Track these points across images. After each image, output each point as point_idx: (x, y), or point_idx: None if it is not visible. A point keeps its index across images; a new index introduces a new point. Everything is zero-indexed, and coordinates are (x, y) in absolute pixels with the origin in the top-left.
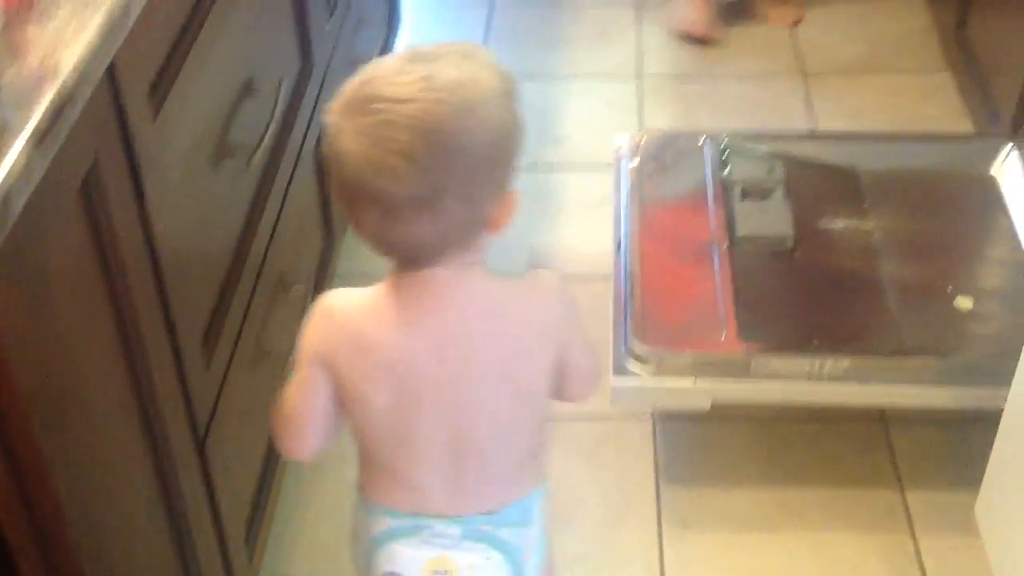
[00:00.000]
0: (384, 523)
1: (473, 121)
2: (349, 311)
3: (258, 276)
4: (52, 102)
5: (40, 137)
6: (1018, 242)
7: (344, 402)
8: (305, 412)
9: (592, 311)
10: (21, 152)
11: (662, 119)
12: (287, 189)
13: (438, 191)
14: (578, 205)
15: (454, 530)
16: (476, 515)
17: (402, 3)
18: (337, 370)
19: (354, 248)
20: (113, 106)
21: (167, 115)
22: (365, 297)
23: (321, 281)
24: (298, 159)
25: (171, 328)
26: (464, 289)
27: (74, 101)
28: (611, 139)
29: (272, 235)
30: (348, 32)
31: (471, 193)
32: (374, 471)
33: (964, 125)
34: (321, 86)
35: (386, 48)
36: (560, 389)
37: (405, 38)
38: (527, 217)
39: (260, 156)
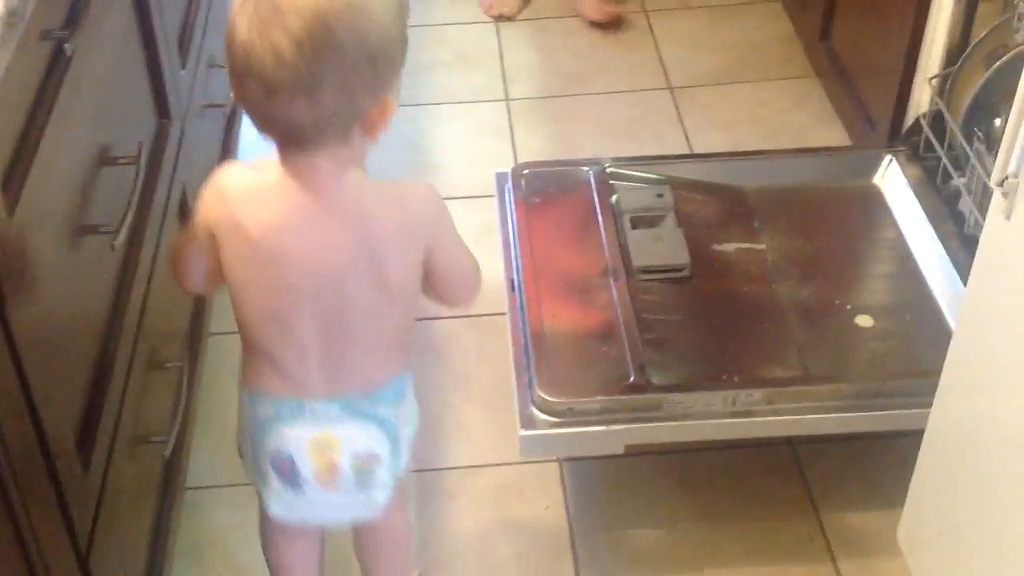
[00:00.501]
0: (268, 408)
1: (362, 19)
2: (237, 193)
3: (131, 357)
4: None
5: None
6: (908, 252)
7: (226, 279)
8: (190, 265)
9: (488, 350)
10: None
11: (534, 142)
12: (155, 255)
13: (317, 79)
14: (464, 236)
15: (334, 409)
16: (354, 394)
17: None
18: (220, 245)
19: (226, 304)
20: None
21: (24, 209)
22: (253, 180)
23: (195, 344)
24: (163, 221)
25: (41, 435)
26: (339, 184)
27: None
28: (486, 166)
29: (143, 308)
30: (201, 80)
31: (349, 88)
32: (256, 359)
33: (836, 131)
34: (180, 141)
35: None
36: (436, 292)
37: None
38: None
39: (126, 226)
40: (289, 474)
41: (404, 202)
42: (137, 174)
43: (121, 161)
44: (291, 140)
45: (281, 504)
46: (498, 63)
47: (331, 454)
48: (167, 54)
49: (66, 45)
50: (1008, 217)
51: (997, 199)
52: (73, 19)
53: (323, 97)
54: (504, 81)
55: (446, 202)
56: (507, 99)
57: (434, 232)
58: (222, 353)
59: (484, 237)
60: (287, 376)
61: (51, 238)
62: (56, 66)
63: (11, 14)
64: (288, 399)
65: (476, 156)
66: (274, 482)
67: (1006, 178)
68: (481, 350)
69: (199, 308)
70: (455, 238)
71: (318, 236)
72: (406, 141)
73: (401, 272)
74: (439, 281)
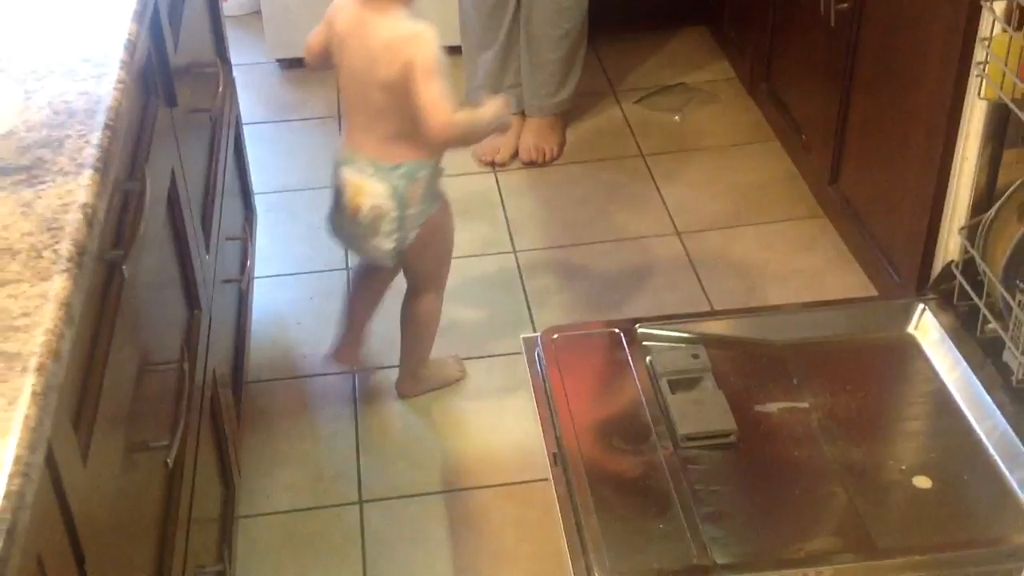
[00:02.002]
0: (342, 153)
1: None
2: (335, 11)
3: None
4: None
5: None
6: (954, 404)
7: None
8: (312, 39)
9: (528, 524)
10: None
11: (547, 297)
12: (196, 451)
13: None
14: (483, 400)
15: (369, 168)
16: (383, 162)
17: (255, 203)
18: (328, 39)
19: (253, 486)
20: (51, 483)
21: (94, 453)
22: (344, 4)
23: (226, 530)
24: (200, 420)
25: None
26: (374, 15)
27: (23, 509)
28: (501, 324)
29: (189, 519)
30: (221, 257)
31: None
32: (343, 118)
33: (853, 272)
34: (209, 328)
35: (245, 261)
36: (417, 114)
37: (259, 238)
38: (434, 417)
39: (177, 438)
40: (338, 202)
41: (401, 31)
42: (182, 377)
43: (163, 367)
44: None
45: (330, 222)
46: (501, 213)
47: (359, 197)
48: (195, 246)
49: (123, 267)
50: None
51: None
52: (123, 238)
53: None
54: (509, 232)
55: (468, 362)
56: (514, 251)
57: (408, 59)
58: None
59: (509, 399)
60: (351, 133)
61: (112, 470)
62: (111, 286)
63: (80, 252)
64: (349, 150)
65: (490, 313)
66: (331, 205)
67: None
68: (520, 524)
69: (229, 494)
70: (428, 72)
71: (355, 44)
72: None
73: (388, 78)
74: (414, 100)
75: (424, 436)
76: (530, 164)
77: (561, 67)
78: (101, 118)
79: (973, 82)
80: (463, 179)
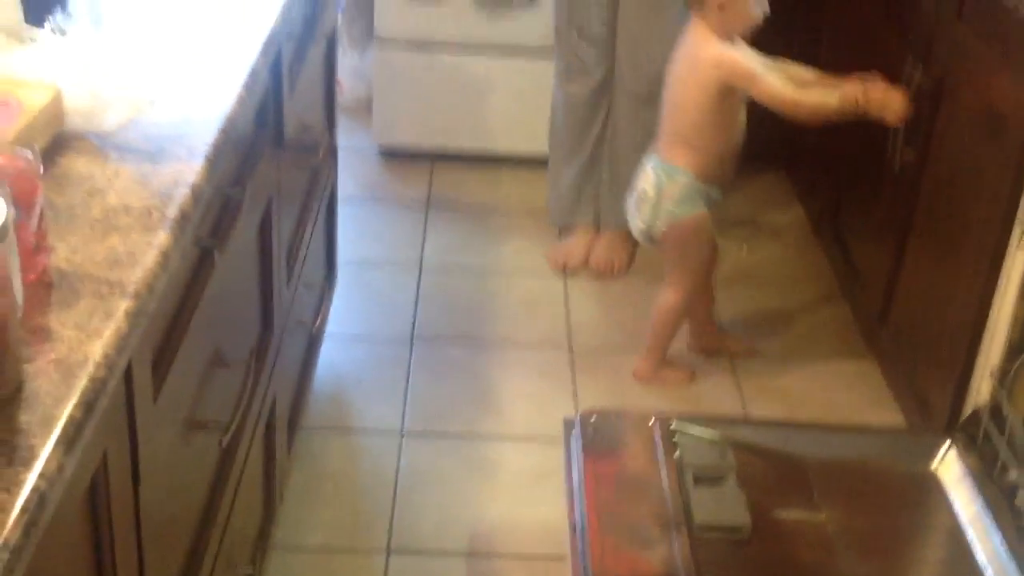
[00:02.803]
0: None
1: None
2: None
3: (217, 555)
4: (83, 397)
5: (70, 439)
6: (966, 541)
7: None
8: None
9: None
10: (52, 454)
11: (594, 393)
12: (246, 458)
13: None
14: (518, 478)
15: (656, 161)
16: (663, 160)
17: (337, 267)
18: None
19: (291, 516)
20: (125, 395)
21: (164, 396)
22: None
23: (261, 553)
24: (255, 428)
25: None
26: (693, 36)
27: (104, 395)
28: (546, 411)
29: (232, 506)
30: (299, 297)
31: None
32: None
33: (890, 410)
34: (277, 353)
35: (319, 312)
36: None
37: (335, 300)
38: (467, 488)
39: (234, 425)
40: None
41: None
42: (247, 377)
43: (232, 364)
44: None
45: (629, 197)
46: (563, 312)
47: (641, 180)
48: (278, 273)
49: (215, 253)
50: None
51: None
52: (219, 231)
53: None
54: (568, 331)
55: (511, 443)
56: (570, 349)
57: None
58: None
59: (543, 481)
60: (659, 138)
61: (174, 429)
62: (202, 269)
63: (183, 218)
64: (654, 150)
65: (537, 400)
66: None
67: None
68: None
69: (268, 516)
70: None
71: (678, 57)
72: (471, 379)
73: (681, 95)
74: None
75: (457, 500)
76: (599, 275)
77: None
78: (218, 124)
79: (1016, 231)
80: (533, 278)
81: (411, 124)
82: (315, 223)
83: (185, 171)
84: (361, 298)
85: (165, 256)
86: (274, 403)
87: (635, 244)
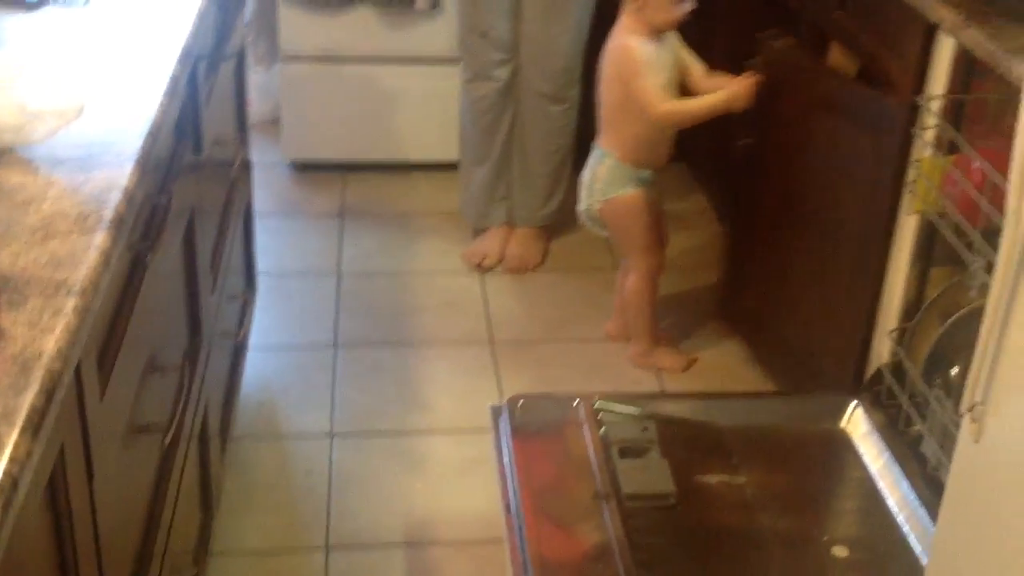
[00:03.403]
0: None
1: None
2: None
3: (162, 564)
4: (43, 387)
5: (35, 427)
6: (876, 490)
7: None
8: None
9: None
10: (20, 439)
11: (518, 383)
12: (183, 467)
13: None
14: (449, 469)
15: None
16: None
17: (257, 278)
18: None
19: (228, 523)
20: (76, 392)
21: (109, 395)
22: None
23: (202, 560)
24: (191, 434)
25: None
26: (616, 31)
27: (61, 387)
28: (473, 403)
29: (172, 519)
30: (223, 308)
31: None
32: None
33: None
34: (207, 361)
35: (242, 322)
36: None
37: (257, 312)
38: (400, 482)
39: (174, 425)
40: None
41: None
42: (182, 381)
43: (167, 369)
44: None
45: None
46: (482, 309)
47: (586, 168)
48: (204, 280)
49: (148, 257)
50: (977, 440)
51: (966, 424)
52: (149, 236)
53: None
54: (489, 326)
55: (441, 436)
56: (492, 342)
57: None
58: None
59: (474, 469)
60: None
61: (120, 429)
62: (136, 273)
63: (119, 220)
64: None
65: (463, 394)
66: None
67: (975, 406)
68: None
69: (206, 523)
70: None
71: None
72: (397, 379)
73: (605, 84)
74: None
75: (391, 494)
76: (514, 271)
77: (549, 182)
78: (144, 130)
79: (907, 197)
80: (451, 277)
81: (321, 137)
82: (233, 236)
83: (117, 176)
84: (282, 309)
85: (106, 256)
86: (206, 410)
87: (548, 239)
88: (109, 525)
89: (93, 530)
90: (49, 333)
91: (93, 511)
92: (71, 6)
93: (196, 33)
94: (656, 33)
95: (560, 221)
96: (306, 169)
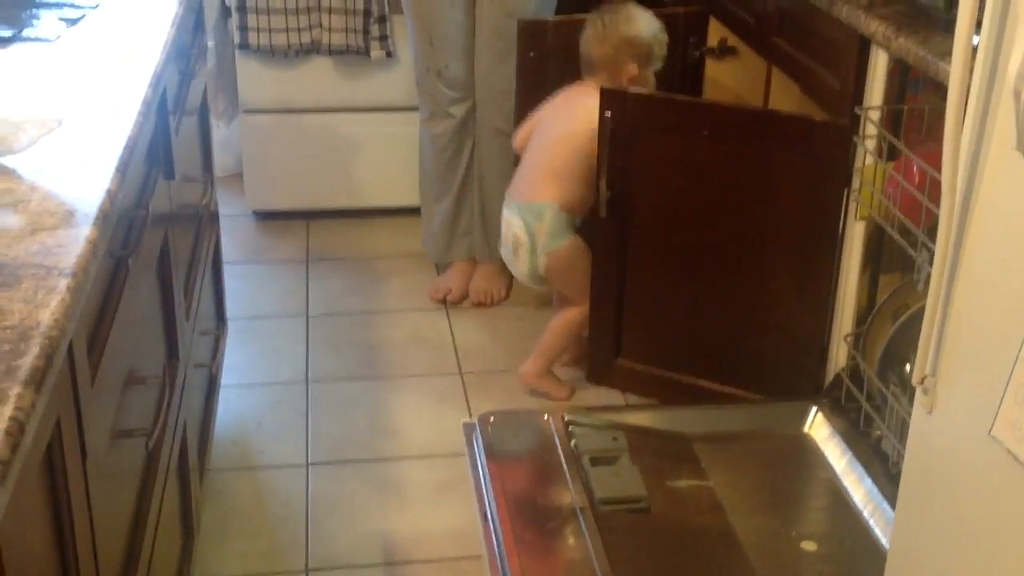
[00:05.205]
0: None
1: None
2: None
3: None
4: (43, 351)
5: (37, 383)
6: (841, 488)
7: None
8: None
9: None
10: (24, 391)
11: (487, 409)
12: (164, 487)
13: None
14: (424, 491)
15: (515, 208)
16: (523, 202)
17: (227, 317)
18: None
19: (207, 551)
20: (69, 371)
21: (99, 383)
22: None
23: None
24: (171, 450)
25: None
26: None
27: (58, 354)
28: (443, 429)
29: (154, 543)
30: (197, 339)
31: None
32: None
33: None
34: (184, 383)
35: (215, 353)
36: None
37: (229, 353)
38: (377, 505)
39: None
40: (502, 234)
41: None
42: (163, 391)
43: (148, 380)
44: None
45: (503, 249)
46: (450, 342)
47: (508, 229)
48: (179, 303)
49: (129, 260)
50: (930, 412)
51: (919, 398)
52: (128, 244)
53: None
54: (457, 358)
55: (415, 460)
56: (460, 373)
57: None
58: None
59: (448, 491)
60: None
61: (107, 424)
62: (118, 275)
63: (104, 216)
64: (508, 194)
65: (434, 421)
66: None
67: (925, 377)
68: None
69: (187, 546)
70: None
71: (561, 103)
72: (369, 410)
73: (566, 137)
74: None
75: (369, 517)
76: (479, 305)
77: None
78: (123, 141)
79: (852, 204)
80: (417, 314)
81: (283, 187)
82: (204, 274)
83: (99, 180)
84: (253, 349)
85: (93, 245)
86: (185, 431)
87: (511, 274)
88: (102, 509)
89: (88, 512)
90: (45, 307)
91: (87, 494)
92: (41, 42)
93: (164, 63)
94: None
95: None
96: (270, 218)
